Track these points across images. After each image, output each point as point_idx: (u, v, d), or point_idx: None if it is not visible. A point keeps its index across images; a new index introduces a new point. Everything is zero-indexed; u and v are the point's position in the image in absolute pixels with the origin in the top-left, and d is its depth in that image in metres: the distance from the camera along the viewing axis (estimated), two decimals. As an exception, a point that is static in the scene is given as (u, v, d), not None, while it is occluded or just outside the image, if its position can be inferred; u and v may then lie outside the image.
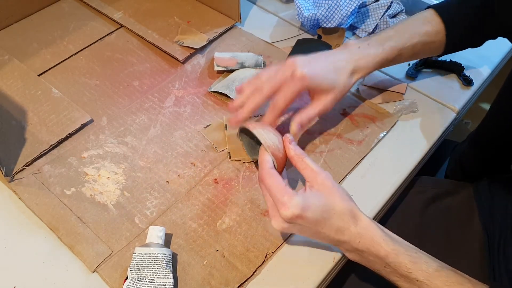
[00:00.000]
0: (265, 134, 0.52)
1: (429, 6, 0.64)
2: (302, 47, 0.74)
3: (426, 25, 0.61)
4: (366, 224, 0.48)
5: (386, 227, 0.49)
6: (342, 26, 0.75)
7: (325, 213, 0.47)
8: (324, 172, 0.49)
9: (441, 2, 0.65)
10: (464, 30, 0.63)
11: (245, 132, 0.57)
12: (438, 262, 0.47)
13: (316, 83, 0.55)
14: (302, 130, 0.65)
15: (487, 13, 0.60)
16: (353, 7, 0.73)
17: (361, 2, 0.73)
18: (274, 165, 0.50)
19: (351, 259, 0.51)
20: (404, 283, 0.48)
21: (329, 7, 0.74)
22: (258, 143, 0.52)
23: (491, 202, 0.65)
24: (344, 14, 0.73)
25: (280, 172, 0.51)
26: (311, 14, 0.75)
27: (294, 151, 0.51)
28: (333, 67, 0.57)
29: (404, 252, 0.47)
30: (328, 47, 0.73)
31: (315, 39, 0.78)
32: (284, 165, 0.52)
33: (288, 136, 0.52)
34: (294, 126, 0.56)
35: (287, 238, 0.54)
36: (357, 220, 0.48)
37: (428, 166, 0.69)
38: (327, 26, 0.75)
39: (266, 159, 0.50)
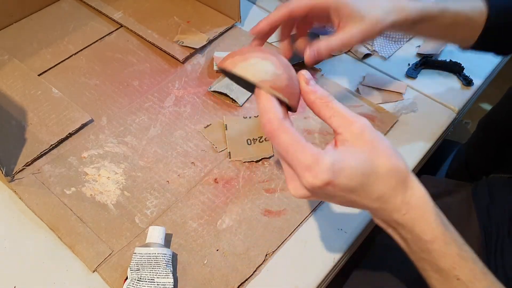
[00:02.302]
0: (252, 66, 0.34)
1: None
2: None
3: (473, 1, 0.54)
4: (420, 195, 0.37)
5: None
6: None
7: (365, 177, 0.36)
8: (361, 119, 0.37)
9: None
10: (505, 25, 0.54)
11: (230, 77, 0.39)
12: (482, 263, 0.39)
13: (342, 3, 0.47)
14: (318, 61, 0.52)
15: None
16: None
17: None
18: (287, 105, 0.35)
19: (379, 225, 0.41)
20: (435, 274, 0.38)
21: None
22: (250, 85, 0.36)
23: (489, 201, 0.65)
24: None
25: (295, 110, 0.37)
26: None
27: (314, 93, 0.37)
28: None
29: (454, 242, 0.37)
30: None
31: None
32: (298, 101, 0.37)
33: (303, 73, 0.38)
34: (308, 52, 0.45)
35: (287, 237, 0.54)
36: (408, 187, 0.37)
37: (428, 166, 0.69)
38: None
39: (268, 107, 0.35)
